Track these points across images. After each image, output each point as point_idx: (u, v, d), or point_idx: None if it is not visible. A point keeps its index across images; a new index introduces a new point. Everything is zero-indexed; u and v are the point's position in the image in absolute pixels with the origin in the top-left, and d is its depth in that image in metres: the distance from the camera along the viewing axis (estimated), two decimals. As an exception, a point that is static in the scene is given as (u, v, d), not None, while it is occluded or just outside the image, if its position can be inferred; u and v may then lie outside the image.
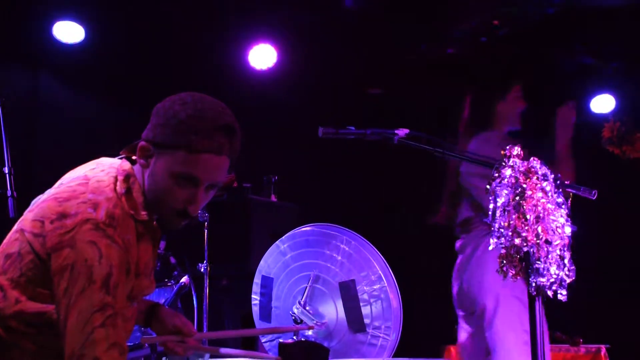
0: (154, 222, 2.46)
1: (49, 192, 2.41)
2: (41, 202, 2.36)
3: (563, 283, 2.46)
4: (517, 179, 2.44)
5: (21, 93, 6.52)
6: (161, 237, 2.57)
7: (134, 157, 2.45)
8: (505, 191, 2.45)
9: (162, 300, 4.94)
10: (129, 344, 4.96)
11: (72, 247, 2.21)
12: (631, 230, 4.59)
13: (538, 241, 2.41)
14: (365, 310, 3.32)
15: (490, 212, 2.48)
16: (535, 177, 2.44)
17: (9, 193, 4.32)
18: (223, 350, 2.83)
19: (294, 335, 3.33)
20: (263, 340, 3.65)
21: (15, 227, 2.39)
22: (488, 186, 2.49)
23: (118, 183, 2.38)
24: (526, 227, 2.40)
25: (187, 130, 2.30)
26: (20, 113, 6.45)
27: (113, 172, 2.41)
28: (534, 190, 2.43)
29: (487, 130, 4.35)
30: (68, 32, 6.36)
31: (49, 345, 2.31)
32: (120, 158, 2.49)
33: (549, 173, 2.47)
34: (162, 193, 2.37)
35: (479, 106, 4.48)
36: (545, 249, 2.42)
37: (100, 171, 2.42)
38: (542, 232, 2.41)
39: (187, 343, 2.68)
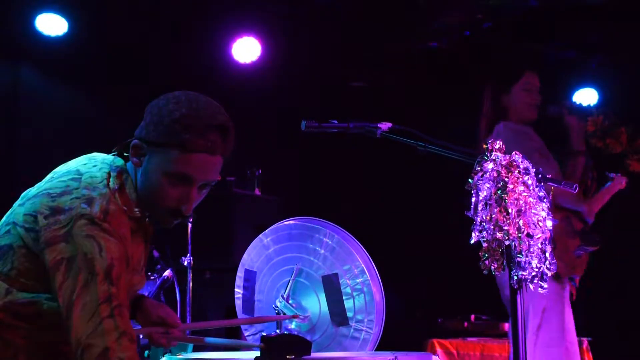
0: (146, 220, 2.46)
1: (39, 186, 2.40)
2: (33, 197, 2.35)
3: (544, 276, 2.47)
4: (499, 172, 2.45)
5: (2, 86, 6.48)
6: (152, 235, 2.56)
7: (126, 154, 2.45)
8: (487, 185, 2.46)
9: (145, 294, 4.92)
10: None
11: (67, 242, 2.21)
12: (612, 224, 4.62)
13: (520, 235, 2.42)
14: (348, 303, 3.32)
15: (472, 206, 2.49)
16: (517, 171, 2.45)
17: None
18: (208, 339, 2.83)
19: (277, 328, 3.33)
20: (246, 334, 3.65)
21: (4, 220, 2.39)
22: (470, 180, 2.50)
23: (111, 179, 2.37)
24: (508, 221, 2.41)
25: (181, 129, 2.29)
26: (0, 106, 6.42)
27: (106, 168, 2.41)
28: (516, 184, 2.44)
29: (506, 119, 4.39)
30: (51, 24, 6.31)
31: (38, 338, 2.31)
32: (114, 154, 2.49)
33: (530, 167, 2.48)
34: (155, 192, 2.37)
35: (490, 100, 4.52)
36: (527, 242, 2.43)
37: (93, 167, 2.41)
38: (523, 225, 2.42)
39: (172, 334, 2.67)
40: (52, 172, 2.47)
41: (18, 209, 2.35)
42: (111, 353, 2.13)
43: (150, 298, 2.78)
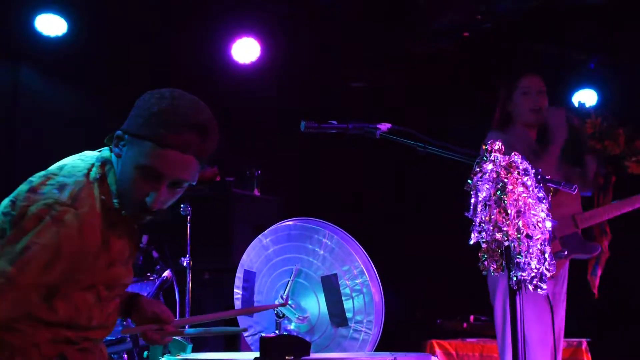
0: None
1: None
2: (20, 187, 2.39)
3: (544, 277, 2.47)
4: (498, 173, 2.45)
5: (1, 86, 6.48)
6: (137, 226, 2.56)
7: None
8: (487, 186, 2.46)
9: (144, 294, 4.92)
10: (110, 338, 4.96)
11: (23, 216, 2.25)
12: (611, 225, 4.62)
13: (519, 235, 2.42)
14: (348, 304, 3.32)
15: (471, 207, 2.49)
16: (516, 172, 2.45)
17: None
18: (188, 331, 2.83)
19: (276, 329, 3.33)
20: (245, 335, 3.65)
21: None
22: (469, 181, 2.50)
23: (94, 169, 2.41)
24: (507, 222, 2.41)
25: (157, 123, 2.32)
26: (0, 106, 6.42)
27: (91, 160, 2.44)
28: (515, 185, 2.44)
29: (508, 127, 4.41)
30: (50, 24, 6.31)
31: (33, 338, 2.32)
32: (105, 147, 2.52)
33: (529, 168, 2.48)
34: (128, 184, 2.38)
35: (498, 107, 4.59)
36: (526, 243, 2.43)
37: (79, 159, 2.45)
38: (523, 226, 2.42)
39: (165, 330, 2.66)
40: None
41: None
42: None
43: (144, 296, 2.77)
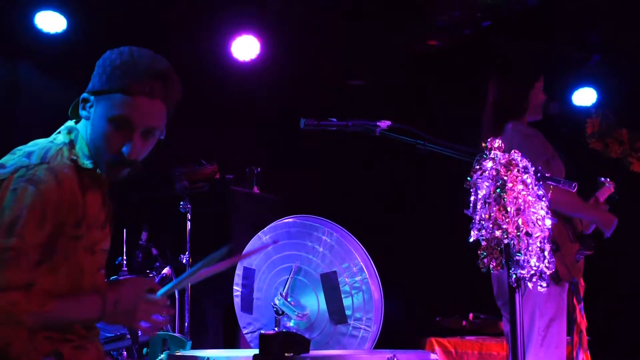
0: (98, 171, 2.51)
1: None
2: None
3: (543, 275, 2.47)
4: (498, 171, 2.45)
5: (0, 83, 6.47)
6: (109, 189, 2.61)
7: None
8: (486, 183, 2.46)
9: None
10: (109, 335, 4.96)
11: None
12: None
13: (518, 233, 2.42)
14: (347, 301, 3.33)
15: (471, 204, 2.49)
16: (516, 170, 2.45)
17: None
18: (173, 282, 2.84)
19: (276, 326, 3.34)
20: (245, 332, 3.65)
21: None
22: (469, 178, 2.50)
23: (60, 136, 2.51)
24: (507, 219, 2.41)
25: (122, 75, 2.44)
26: (-2, 103, 6.42)
27: (54, 135, 2.55)
28: (515, 183, 2.44)
29: (516, 119, 4.34)
30: (50, 21, 6.31)
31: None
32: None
33: (529, 166, 2.48)
34: (101, 139, 2.46)
35: (513, 93, 4.45)
36: (526, 241, 2.43)
37: (42, 139, 2.55)
38: (522, 224, 2.42)
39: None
40: None
41: None
42: None
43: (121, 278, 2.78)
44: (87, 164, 2.46)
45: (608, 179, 4.53)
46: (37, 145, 2.46)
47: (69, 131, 2.53)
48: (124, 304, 2.47)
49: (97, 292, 2.44)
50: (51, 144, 2.46)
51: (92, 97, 2.48)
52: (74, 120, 2.58)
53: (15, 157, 2.40)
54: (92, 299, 2.42)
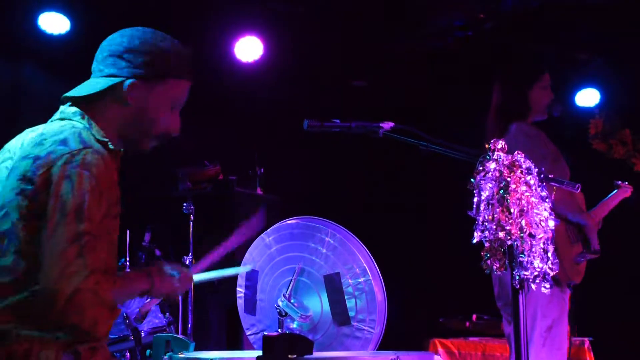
0: (119, 151, 2.57)
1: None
2: (11, 171, 2.42)
3: (547, 276, 2.47)
4: (501, 172, 2.45)
5: (4, 84, 6.48)
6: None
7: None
8: (490, 184, 2.45)
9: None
10: (113, 336, 4.97)
11: (46, 186, 2.29)
12: (614, 224, 4.61)
13: (522, 234, 2.41)
14: (350, 303, 3.32)
15: (474, 206, 2.48)
16: (519, 171, 2.45)
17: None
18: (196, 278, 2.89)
19: (279, 327, 3.33)
20: (248, 333, 3.65)
21: None
22: (472, 179, 2.50)
23: (75, 122, 2.51)
24: (510, 221, 2.41)
25: (174, 60, 2.58)
26: (1, 104, 6.42)
27: (63, 120, 2.54)
28: (518, 184, 2.43)
29: (520, 119, 4.33)
30: (53, 23, 6.32)
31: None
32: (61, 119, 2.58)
33: (532, 167, 2.48)
34: (152, 122, 2.57)
35: (513, 95, 4.44)
36: (529, 242, 2.42)
37: (49, 123, 2.59)
38: (526, 225, 2.42)
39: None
40: None
41: (2, 192, 2.39)
42: (80, 294, 2.19)
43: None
44: (109, 144, 2.50)
45: (626, 183, 4.51)
46: (62, 131, 2.43)
47: (82, 116, 2.53)
48: (165, 273, 2.62)
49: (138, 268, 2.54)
50: (74, 128, 2.44)
51: (140, 83, 2.53)
52: (69, 104, 2.61)
53: (50, 146, 2.36)
54: (138, 274, 2.58)
